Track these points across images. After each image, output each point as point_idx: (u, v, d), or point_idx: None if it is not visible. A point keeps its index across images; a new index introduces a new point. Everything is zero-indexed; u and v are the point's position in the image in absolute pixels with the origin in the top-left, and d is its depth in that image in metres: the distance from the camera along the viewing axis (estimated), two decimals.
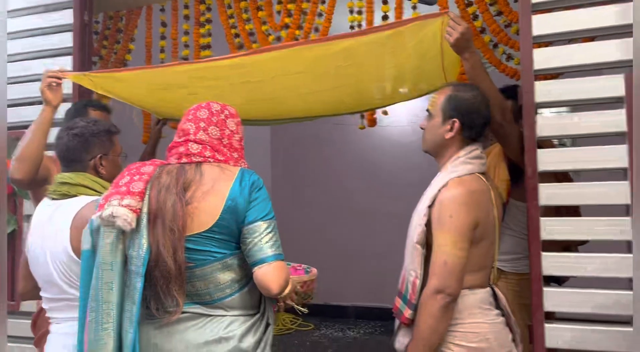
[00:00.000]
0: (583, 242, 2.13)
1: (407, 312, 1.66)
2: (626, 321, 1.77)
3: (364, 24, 2.63)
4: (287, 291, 1.48)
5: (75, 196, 1.74)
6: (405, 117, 4.90)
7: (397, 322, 1.75)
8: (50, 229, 1.69)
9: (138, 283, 1.40)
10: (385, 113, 2.56)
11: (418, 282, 1.64)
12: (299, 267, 1.89)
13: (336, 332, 5.11)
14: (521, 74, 1.93)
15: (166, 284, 1.42)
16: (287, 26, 2.76)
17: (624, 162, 1.78)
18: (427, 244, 1.67)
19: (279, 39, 2.80)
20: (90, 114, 2.25)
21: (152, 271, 1.43)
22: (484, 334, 1.61)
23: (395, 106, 2.47)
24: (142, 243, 1.42)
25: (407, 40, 1.96)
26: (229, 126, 1.59)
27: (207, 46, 2.97)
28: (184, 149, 1.54)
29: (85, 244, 1.49)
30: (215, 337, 1.44)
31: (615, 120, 1.81)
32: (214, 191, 1.47)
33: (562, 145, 3.93)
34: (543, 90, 1.90)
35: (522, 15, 1.93)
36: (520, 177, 2.10)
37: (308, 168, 5.76)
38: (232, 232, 1.46)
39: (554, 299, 1.84)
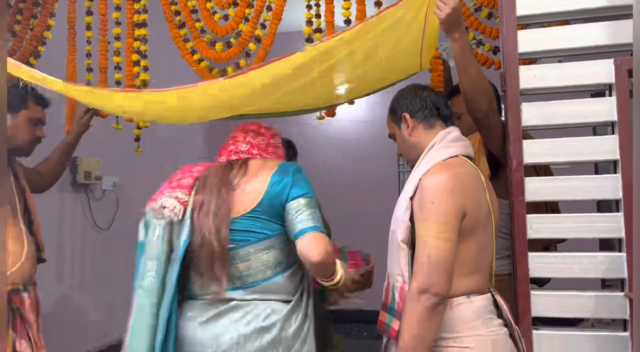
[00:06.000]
0: (562, 240, 2.02)
1: (397, 325, 1.41)
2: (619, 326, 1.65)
3: (322, 3, 2.38)
4: (338, 277, 1.53)
5: None
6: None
7: (384, 339, 1.52)
8: None
9: (176, 271, 1.51)
10: (351, 102, 2.32)
11: (406, 286, 1.42)
12: (357, 253, 1.90)
13: None
14: (504, 57, 1.76)
15: (210, 265, 1.53)
16: (235, 3, 2.46)
17: (615, 154, 1.66)
18: (413, 242, 1.46)
19: (226, 17, 2.50)
20: (30, 107, 2.13)
21: (196, 254, 1.55)
22: (485, 348, 1.41)
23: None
24: (184, 232, 1.55)
25: (386, 25, 1.72)
26: (276, 141, 1.78)
27: (143, 24, 2.60)
28: (233, 147, 1.71)
29: (141, 236, 1.59)
30: (257, 327, 1.49)
31: (605, 109, 1.68)
32: (258, 175, 1.61)
33: None
34: (527, 76, 1.75)
35: None
36: (499, 171, 1.95)
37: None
38: (275, 212, 1.56)
39: (541, 302, 1.69)
